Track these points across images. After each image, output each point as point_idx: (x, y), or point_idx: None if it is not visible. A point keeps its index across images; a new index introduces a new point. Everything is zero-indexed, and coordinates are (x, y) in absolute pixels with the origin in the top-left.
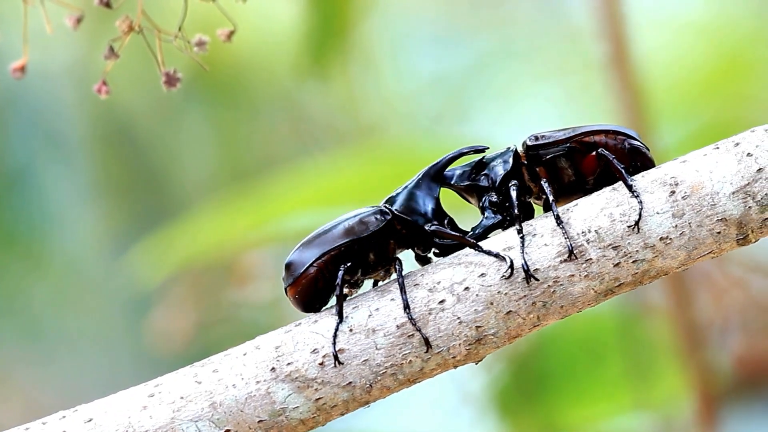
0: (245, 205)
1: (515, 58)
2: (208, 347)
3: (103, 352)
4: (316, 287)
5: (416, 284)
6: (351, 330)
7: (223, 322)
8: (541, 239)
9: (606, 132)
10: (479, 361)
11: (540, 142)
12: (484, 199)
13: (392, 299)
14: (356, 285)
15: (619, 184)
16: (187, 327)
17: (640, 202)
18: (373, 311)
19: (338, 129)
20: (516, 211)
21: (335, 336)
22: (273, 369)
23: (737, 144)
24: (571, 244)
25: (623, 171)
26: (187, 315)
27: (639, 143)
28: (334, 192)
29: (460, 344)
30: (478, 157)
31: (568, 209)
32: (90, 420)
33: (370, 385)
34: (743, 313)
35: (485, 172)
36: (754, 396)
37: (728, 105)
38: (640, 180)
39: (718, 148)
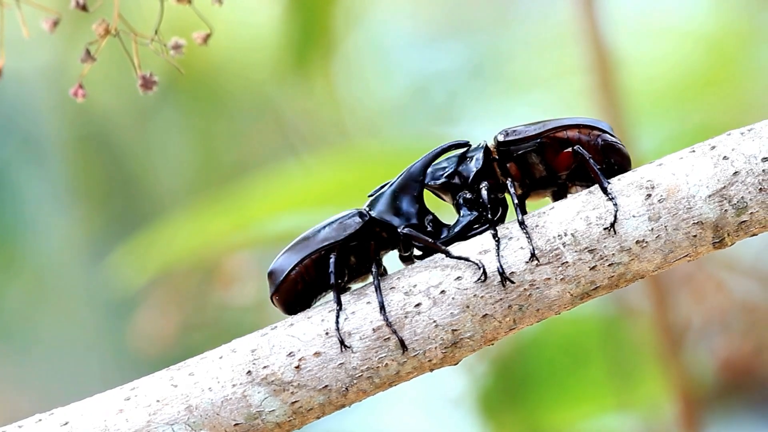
0: (225, 208)
1: (506, 60)
2: (191, 350)
3: (80, 355)
4: (299, 292)
5: (392, 287)
6: (327, 333)
7: (206, 324)
8: (516, 242)
9: (579, 127)
10: (455, 363)
11: (510, 138)
12: (458, 197)
13: (368, 302)
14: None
15: (595, 187)
16: (170, 330)
17: (615, 205)
18: (349, 315)
19: (318, 132)
20: (490, 214)
21: (338, 322)
22: (249, 372)
23: (713, 147)
24: (533, 247)
25: (599, 172)
26: (169, 318)
27: (613, 138)
28: (315, 195)
29: (436, 347)
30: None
31: (543, 212)
32: (66, 423)
33: (346, 389)
34: (725, 315)
35: (457, 169)
36: (737, 398)
37: (708, 109)
38: (616, 183)
39: (694, 151)
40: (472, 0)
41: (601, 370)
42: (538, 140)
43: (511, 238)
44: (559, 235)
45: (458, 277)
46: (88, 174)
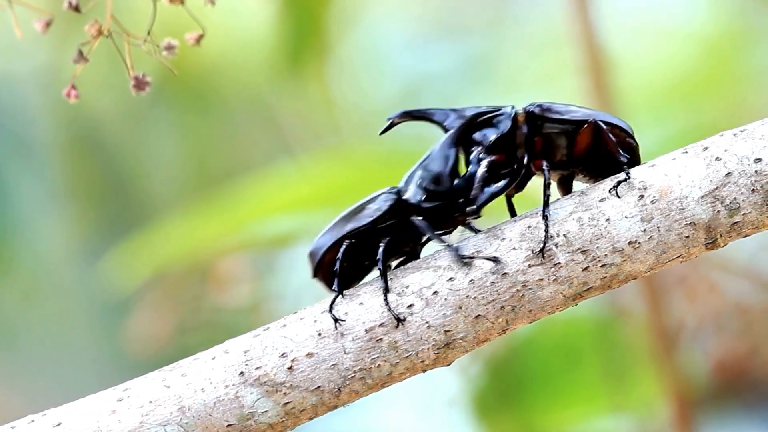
0: (219, 210)
1: (499, 61)
2: (186, 351)
3: (74, 357)
4: (337, 273)
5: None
6: (319, 334)
7: (200, 326)
8: (509, 243)
9: (612, 126)
10: (448, 364)
11: (546, 115)
12: (474, 156)
13: (361, 303)
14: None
15: (588, 188)
16: (164, 331)
17: (628, 175)
18: (342, 315)
19: (312, 133)
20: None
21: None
22: (242, 373)
23: (706, 148)
24: (546, 242)
25: (616, 146)
26: (164, 319)
27: (635, 143)
28: (309, 196)
29: (428, 348)
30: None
31: (536, 212)
32: (59, 424)
33: (339, 390)
34: (719, 316)
35: (482, 132)
36: (731, 400)
37: (701, 109)
38: (608, 184)
39: (686, 152)
40: (465, 1)
41: (595, 372)
42: (574, 125)
43: (503, 239)
44: (551, 236)
45: (451, 278)
46: (82, 175)
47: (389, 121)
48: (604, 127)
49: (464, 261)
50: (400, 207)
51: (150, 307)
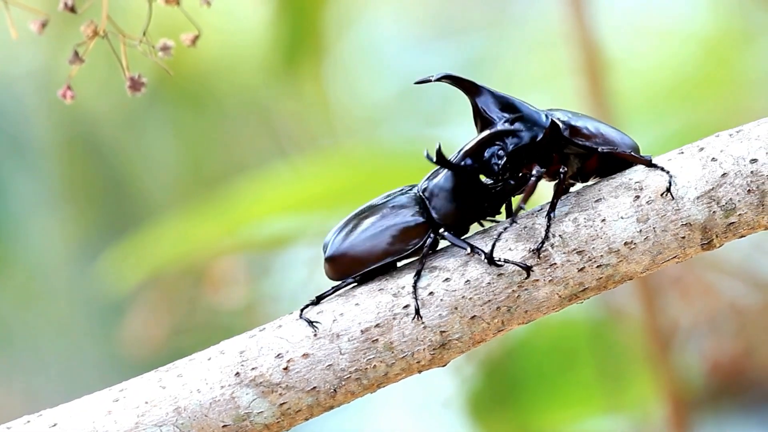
0: (214, 211)
1: (497, 61)
2: (181, 353)
3: (70, 357)
4: (345, 282)
5: (380, 289)
6: (315, 335)
7: (196, 327)
8: (505, 243)
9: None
10: (444, 365)
11: (573, 139)
12: (493, 156)
13: (357, 304)
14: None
15: (585, 189)
16: (160, 332)
17: (669, 175)
18: (338, 316)
19: (308, 134)
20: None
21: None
22: (237, 374)
23: (702, 149)
24: (543, 242)
25: (635, 155)
26: (159, 320)
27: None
28: (305, 198)
29: (424, 349)
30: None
31: (533, 213)
32: (55, 425)
33: (335, 390)
34: (714, 317)
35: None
36: (727, 400)
37: (698, 110)
38: (604, 185)
39: (682, 153)
40: (463, 1)
41: (591, 373)
42: (594, 152)
43: (500, 240)
44: (547, 237)
45: (446, 279)
46: (78, 176)
47: (429, 79)
48: (622, 152)
49: (496, 265)
50: (432, 227)
51: (146, 308)
